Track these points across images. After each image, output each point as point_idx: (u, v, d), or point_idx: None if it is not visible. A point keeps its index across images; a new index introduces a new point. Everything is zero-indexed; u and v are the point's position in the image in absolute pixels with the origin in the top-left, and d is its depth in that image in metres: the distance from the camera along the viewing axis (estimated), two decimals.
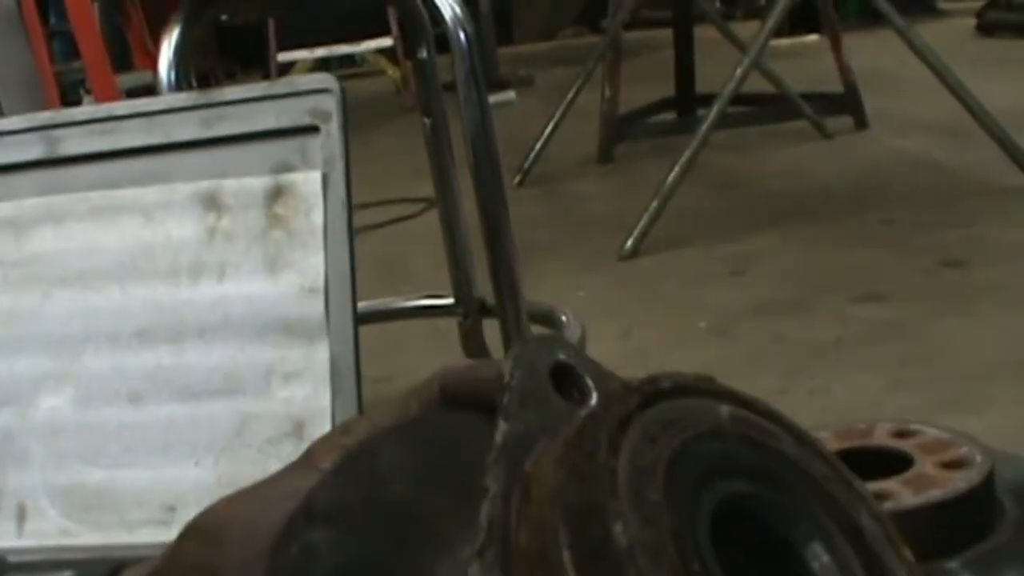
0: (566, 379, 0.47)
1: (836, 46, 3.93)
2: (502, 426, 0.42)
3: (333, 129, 1.10)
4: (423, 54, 1.77)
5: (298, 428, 1.11)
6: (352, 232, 1.07)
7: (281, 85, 1.13)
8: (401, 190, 3.41)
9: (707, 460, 0.41)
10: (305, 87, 1.10)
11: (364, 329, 1.08)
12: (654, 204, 2.70)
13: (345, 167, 1.09)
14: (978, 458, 1.31)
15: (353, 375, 1.08)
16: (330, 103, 1.10)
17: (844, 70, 3.92)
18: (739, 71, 2.90)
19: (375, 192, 3.42)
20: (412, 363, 2.05)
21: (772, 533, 0.43)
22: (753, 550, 0.43)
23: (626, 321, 2.24)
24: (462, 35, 1.55)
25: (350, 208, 1.08)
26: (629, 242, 2.65)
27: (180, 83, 1.43)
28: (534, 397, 0.44)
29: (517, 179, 3.54)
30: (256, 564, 0.43)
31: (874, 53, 4.42)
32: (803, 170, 3.38)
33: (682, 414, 0.42)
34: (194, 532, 0.46)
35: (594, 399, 0.47)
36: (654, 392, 0.42)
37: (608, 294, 2.45)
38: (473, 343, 1.89)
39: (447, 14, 1.53)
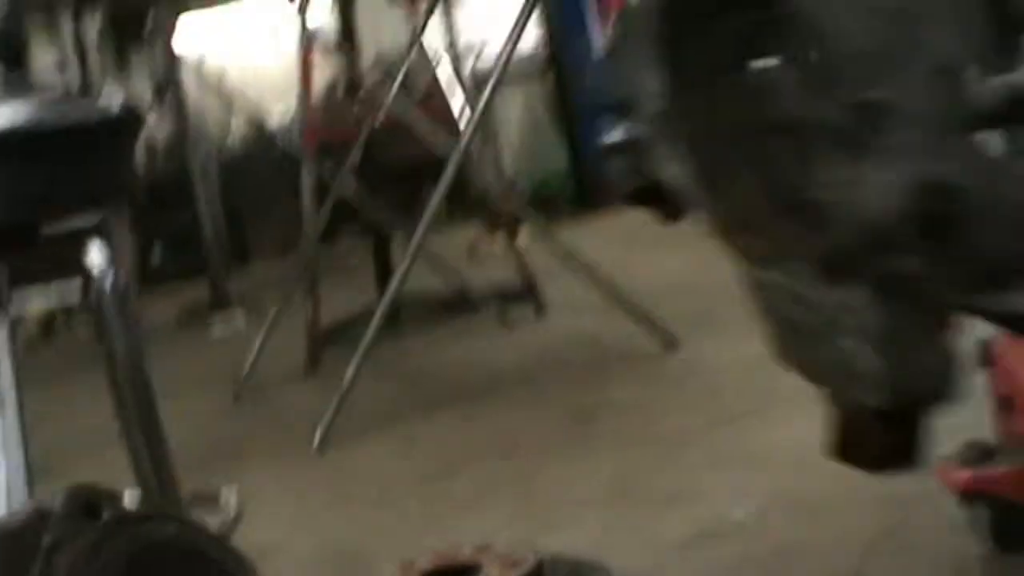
0: None
1: (514, 245, 4.46)
2: None
3: None
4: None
5: None
6: None
7: None
8: None
9: None
10: None
11: None
12: (335, 400, 3.07)
13: None
14: (531, 559, 1.80)
15: None
16: None
17: (522, 267, 4.42)
18: (399, 272, 3.37)
19: None
20: None
21: None
22: None
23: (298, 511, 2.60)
24: (109, 282, 1.89)
25: None
26: (316, 438, 3.01)
27: None
28: None
29: (232, 395, 3.85)
30: None
31: (575, 239, 4.93)
32: (479, 359, 3.82)
33: None
34: None
35: None
36: None
37: (294, 488, 2.80)
38: None
39: (95, 261, 1.87)
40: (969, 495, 1.62)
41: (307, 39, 4.33)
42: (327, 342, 4.23)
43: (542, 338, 3.96)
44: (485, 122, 7.99)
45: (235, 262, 7.77)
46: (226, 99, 7.93)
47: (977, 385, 1.75)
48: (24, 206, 1.61)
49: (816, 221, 0.56)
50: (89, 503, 0.73)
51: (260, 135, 8.33)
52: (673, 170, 0.68)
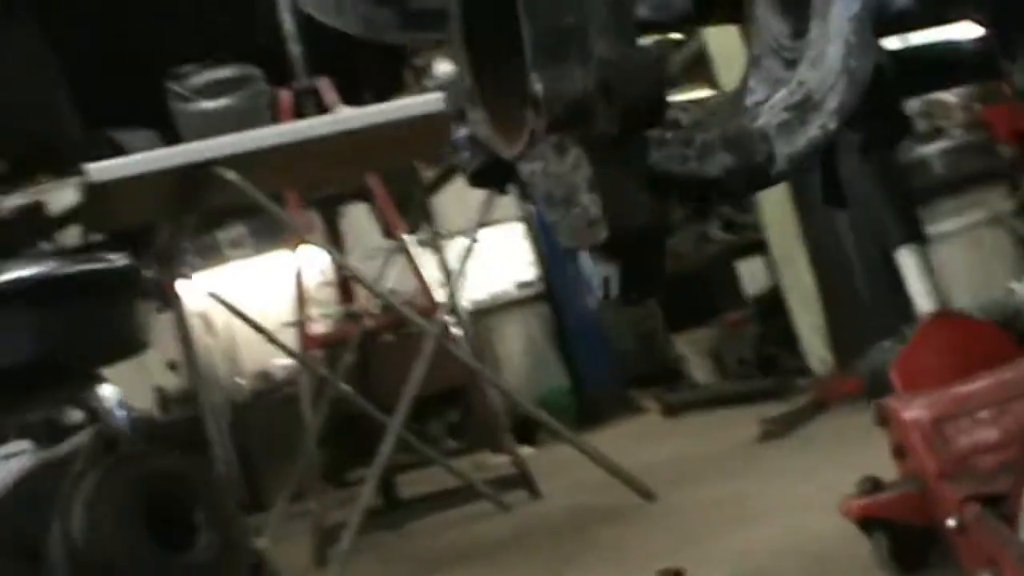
0: None
1: (514, 456, 4.75)
2: None
3: None
4: None
5: None
6: None
7: None
8: None
9: None
10: None
11: None
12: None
13: None
14: None
15: None
16: None
17: (517, 460, 4.70)
18: (386, 443, 3.64)
19: None
20: None
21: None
22: None
23: None
24: (122, 419, 2.16)
25: None
26: None
27: None
28: None
29: None
30: None
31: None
32: (474, 535, 4.06)
33: None
34: None
35: None
36: None
37: None
38: None
39: (105, 400, 2.14)
40: (866, 521, 1.84)
41: (299, 265, 4.82)
42: (333, 540, 4.43)
43: (536, 513, 4.19)
44: (482, 345, 8.35)
45: (250, 509, 7.91)
46: (233, 344, 8.27)
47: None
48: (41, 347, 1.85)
49: (543, 109, 0.85)
50: (108, 440, 0.99)
51: (269, 379, 8.63)
52: (480, 128, 0.97)
